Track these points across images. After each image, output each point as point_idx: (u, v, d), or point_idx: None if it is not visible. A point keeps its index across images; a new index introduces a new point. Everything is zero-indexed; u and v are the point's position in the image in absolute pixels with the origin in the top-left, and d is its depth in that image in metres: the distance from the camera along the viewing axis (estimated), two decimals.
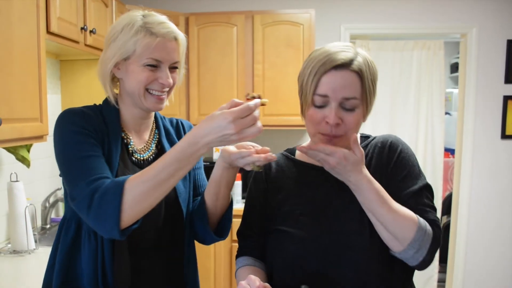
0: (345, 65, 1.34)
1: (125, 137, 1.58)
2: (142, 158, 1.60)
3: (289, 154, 1.62)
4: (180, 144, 1.30)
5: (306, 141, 4.47)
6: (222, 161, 1.47)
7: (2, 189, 2.81)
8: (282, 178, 1.55)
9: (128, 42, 1.47)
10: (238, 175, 3.95)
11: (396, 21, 4.45)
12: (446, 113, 5.35)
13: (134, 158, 1.58)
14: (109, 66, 1.51)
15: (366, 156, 1.47)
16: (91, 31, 2.90)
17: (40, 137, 2.34)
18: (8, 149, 2.68)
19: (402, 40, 4.69)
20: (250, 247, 1.57)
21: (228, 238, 3.86)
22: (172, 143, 1.65)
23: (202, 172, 1.78)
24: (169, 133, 1.70)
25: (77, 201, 1.37)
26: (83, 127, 1.45)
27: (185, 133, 1.73)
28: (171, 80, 1.51)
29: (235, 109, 1.24)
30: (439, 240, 1.35)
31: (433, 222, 1.36)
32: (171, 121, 1.76)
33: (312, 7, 4.20)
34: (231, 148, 1.43)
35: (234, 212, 3.84)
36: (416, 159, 1.49)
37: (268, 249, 1.51)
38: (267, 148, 1.41)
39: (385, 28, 4.49)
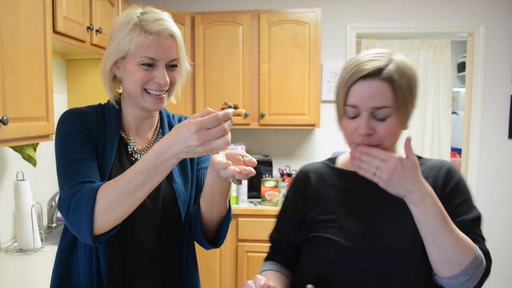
0: (373, 74, 1.31)
1: (125, 137, 1.57)
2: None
3: (330, 163, 1.59)
4: (148, 155, 1.26)
5: (312, 140, 4.46)
6: (211, 169, 1.39)
7: (9, 188, 2.82)
8: (322, 187, 1.51)
9: (124, 40, 1.44)
10: None
11: (403, 20, 4.43)
12: (453, 113, 5.33)
13: (133, 159, 1.56)
14: (107, 64, 1.49)
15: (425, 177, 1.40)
16: (97, 31, 2.91)
17: (46, 136, 2.34)
18: (15, 148, 2.69)
19: (409, 39, 4.68)
20: (278, 253, 1.55)
21: (233, 239, 3.88)
22: None
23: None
24: None
25: (59, 203, 1.39)
26: (77, 129, 1.45)
27: None
28: (167, 79, 1.46)
29: (200, 119, 1.17)
30: (489, 271, 1.33)
31: (486, 254, 1.35)
32: (180, 119, 1.72)
33: (318, 6, 4.19)
34: (219, 156, 1.33)
35: (240, 212, 3.85)
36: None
37: (307, 255, 1.46)
38: (254, 161, 1.35)
39: (392, 27, 4.47)
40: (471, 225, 1.37)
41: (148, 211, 1.52)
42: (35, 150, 2.77)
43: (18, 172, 2.76)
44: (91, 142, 1.46)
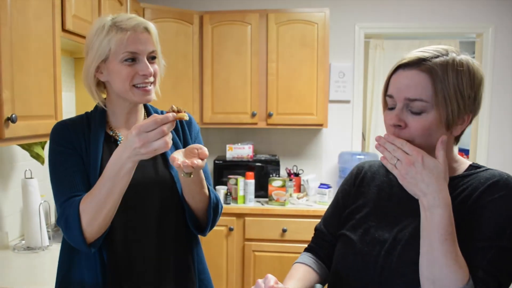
0: (413, 64, 1.25)
1: (113, 134, 1.63)
2: None
3: None
4: (108, 163, 1.39)
5: (320, 140, 4.45)
6: None
7: (17, 186, 2.82)
8: (368, 184, 1.49)
9: (103, 43, 1.52)
10: (251, 174, 3.96)
11: (411, 21, 4.41)
12: None
13: None
14: (90, 71, 1.57)
15: (462, 189, 1.30)
16: None
17: None
18: (23, 146, 2.69)
19: (417, 39, 4.66)
20: (318, 245, 1.57)
21: (240, 238, 3.88)
22: None
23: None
24: None
25: (57, 222, 1.52)
26: (60, 144, 1.56)
27: (182, 125, 1.74)
28: (151, 69, 1.55)
29: (140, 124, 1.30)
30: None
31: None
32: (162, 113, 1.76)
33: (327, 6, 4.17)
34: (176, 152, 1.45)
35: (247, 211, 3.85)
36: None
37: (335, 253, 1.47)
38: (206, 153, 1.43)
39: (400, 27, 4.45)
40: (487, 254, 1.19)
41: (147, 198, 1.59)
42: (43, 148, 2.77)
43: (26, 170, 2.76)
44: (75, 151, 1.56)
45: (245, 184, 4.00)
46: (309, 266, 1.51)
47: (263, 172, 4.16)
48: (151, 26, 1.58)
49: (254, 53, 4.10)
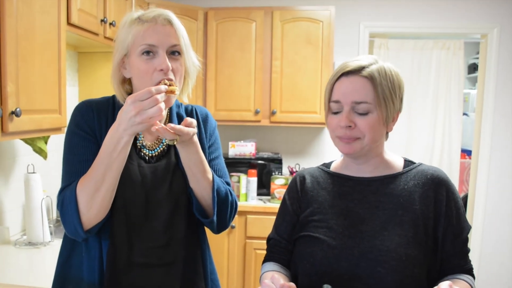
0: (355, 71, 1.41)
1: None
2: (150, 155, 1.60)
3: (325, 168, 1.64)
4: (105, 139, 1.39)
5: (323, 139, 4.45)
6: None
7: (19, 180, 2.81)
8: (316, 189, 1.57)
9: (125, 36, 1.50)
10: (254, 171, 3.95)
11: (416, 20, 4.40)
12: (464, 114, 5.30)
13: (142, 153, 1.59)
14: (115, 66, 1.54)
15: (411, 181, 1.49)
16: (110, 24, 2.89)
17: (58, 129, 2.33)
18: (26, 141, 2.68)
19: (422, 39, 4.64)
20: (278, 253, 1.60)
21: (241, 235, 3.87)
22: None
23: (220, 162, 1.75)
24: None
25: (57, 206, 1.51)
26: (81, 129, 1.53)
27: (198, 120, 1.70)
28: (168, 64, 1.47)
29: (135, 93, 1.33)
30: None
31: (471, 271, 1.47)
32: (186, 108, 1.73)
33: (332, 4, 4.14)
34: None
35: (249, 209, 3.85)
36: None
37: (297, 253, 1.52)
38: (189, 121, 1.42)
39: (405, 27, 4.44)
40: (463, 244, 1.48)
41: (160, 202, 1.56)
42: (46, 143, 2.76)
43: (28, 165, 2.74)
44: (94, 141, 1.52)
45: (248, 182, 3.99)
46: (278, 272, 1.54)
47: (265, 170, 4.15)
48: (175, 18, 1.52)
49: (258, 51, 4.08)
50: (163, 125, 1.36)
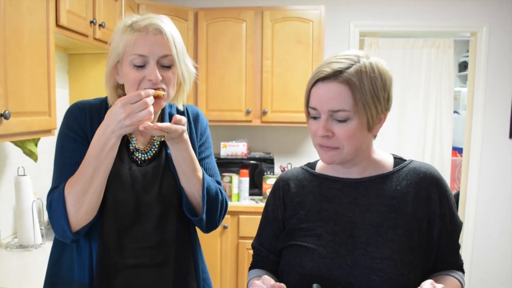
0: (331, 77, 1.30)
1: (127, 134, 1.58)
2: (143, 158, 1.60)
3: (309, 168, 1.56)
4: (93, 140, 1.40)
5: None
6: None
7: (9, 183, 2.79)
8: (302, 194, 1.48)
9: (117, 43, 1.48)
10: (246, 171, 3.95)
11: (406, 19, 4.41)
12: (454, 112, 5.32)
13: (134, 157, 1.58)
14: (108, 70, 1.53)
15: (403, 180, 1.42)
16: (100, 25, 2.88)
17: (48, 131, 2.32)
18: (16, 143, 2.67)
19: (412, 38, 4.66)
20: (261, 261, 1.56)
21: (234, 235, 3.87)
22: None
23: (211, 161, 1.75)
24: None
25: (46, 207, 1.50)
26: (73, 131, 1.53)
27: (188, 119, 1.70)
28: (158, 74, 1.44)
29: (124, 96, 1.35)
30: None
31: (461, 267, 1.47)
32: (178, 108, 1.71)
33: (322, 4, 4.15)
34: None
35: (242, 209, 3.85)
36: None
37: (284, 263, 1.46)
38: (179, 118, 1.43)
39: (395, 25, 4.45)
40: (455, 241, 1.46)
41: (150, 204, 1.56)
42: (36, 145, 2.75)
43: (19, 167, 2.73)
44: (85, 144, 1.50)
45: (239, 182, 3.99)
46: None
47: (257, 170, 4.15)
48: (167, 28, 1.48)
49: (249, 50, 4.08)
50: (150, 123, 1.37)
